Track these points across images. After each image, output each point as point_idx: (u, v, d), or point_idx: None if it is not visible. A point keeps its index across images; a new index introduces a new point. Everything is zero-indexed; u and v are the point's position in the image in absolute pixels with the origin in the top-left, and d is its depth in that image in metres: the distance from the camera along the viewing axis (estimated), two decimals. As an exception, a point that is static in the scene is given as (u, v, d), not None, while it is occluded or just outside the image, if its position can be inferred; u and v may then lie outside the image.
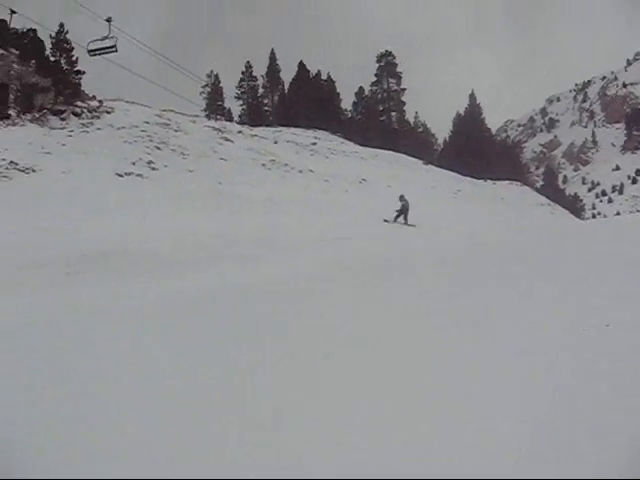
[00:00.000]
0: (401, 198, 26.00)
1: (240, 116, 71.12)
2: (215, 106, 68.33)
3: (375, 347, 4.89)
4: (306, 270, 11.41)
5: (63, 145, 25.29)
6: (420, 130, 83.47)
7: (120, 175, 23.30)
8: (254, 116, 66.78)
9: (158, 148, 27.79)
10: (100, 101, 32.95)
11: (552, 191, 79.78)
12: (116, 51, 20.42)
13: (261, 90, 74.19)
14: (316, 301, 7.72)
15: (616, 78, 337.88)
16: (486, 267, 9.34)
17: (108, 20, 19.84)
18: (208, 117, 54.31)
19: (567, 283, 6.68)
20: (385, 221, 25.05)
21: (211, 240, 15.99)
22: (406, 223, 25.34)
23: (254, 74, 73.14)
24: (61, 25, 36.56)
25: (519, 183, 63.01)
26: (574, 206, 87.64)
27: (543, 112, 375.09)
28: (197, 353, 5.15)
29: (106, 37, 20.04)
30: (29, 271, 11.05)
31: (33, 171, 21.51)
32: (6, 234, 13.40)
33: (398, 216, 25.46)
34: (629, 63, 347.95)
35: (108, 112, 30.83)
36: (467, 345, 4.64)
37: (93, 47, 20.42)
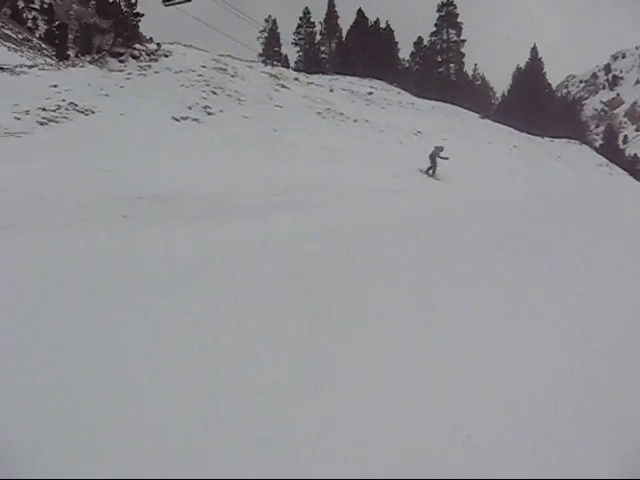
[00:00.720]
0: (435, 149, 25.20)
1: (297, 62, 70.62)
2: (272, 52, 67.86)
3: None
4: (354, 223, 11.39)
5: (121, 87, 25.40)
6: (478, 83, 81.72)
7: (176, 119, 23.35)
8: (311, 63, 66.14)
9: (214, 93, 27.71)
10: (158, 44, 32.86)
11: (611, 151, 77.48)
12: (190, 0, 20.06)
13: (318, 37, 73.26)
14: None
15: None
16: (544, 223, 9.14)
17: None
18: (265, 63, 53.92)
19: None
20: (420, 170, 24.81)
21: (267, 187, 16.01)
22: (432, 174, 24.77)
23: (312, 20, 72.17)
24: (121, -34, 36.35)
25: (578, 142, 61.34)
26: (634, 167, 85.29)
27: (607, 69, 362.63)
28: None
29: None
30: (87, 211, 11.22)
31: (92, 112, 21.69)
32: (65, 174, 13.59)
33: (431, 167, 24.84)
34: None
35: (166, 55, 30.77)
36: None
37: None
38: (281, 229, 10.45)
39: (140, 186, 13.80)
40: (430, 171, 24.74)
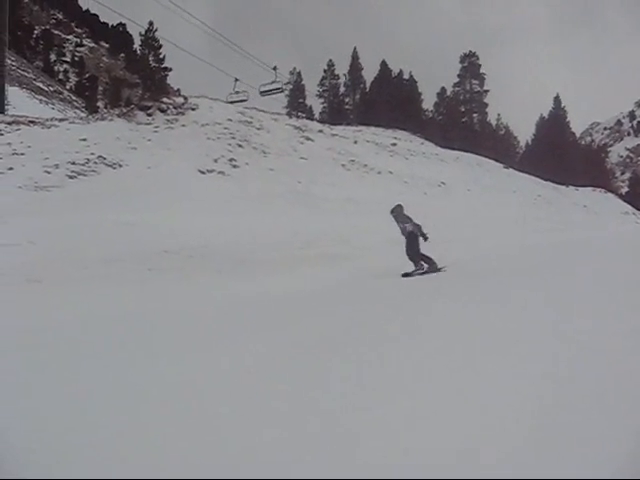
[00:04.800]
0: (397, 214, 13.67)
1: (321, 114, 71.66)
2: (297, 103, 68.93)
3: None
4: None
5: (149, 140, 25.85)
6: (502, 132, 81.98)
7: (202, 172, 23.68)
8: (335, 114, 67.13)
9: (240, 146, 28.10)
10: (185, 97, 33.57)
11: (638, 198, 77.15)
12: (282, 92, 25.97)
13: (342, 88, 74.41)
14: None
15: None
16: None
17: (274, 68, 26.94)
18: (289, 115, 54.72)
19: None
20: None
21: (291, 240, 16.13)
22: (420, 269, 12.59)
23: (336, 72, 73.39)
24: (150, 23, 37.51)
25: (603, 190, 61.17)
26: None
27: (631, 115, 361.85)
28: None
29: (274, 81, 26.89)
30: (114, 266, 11.38)
31: (120, 166, 22.08)
32: (92, 229, 13.80)
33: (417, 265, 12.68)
34: None
35: (192, 109, 31.36)
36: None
37: (263, 89, 26.98)
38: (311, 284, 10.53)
39: (165, 239, 13.99)
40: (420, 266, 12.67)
